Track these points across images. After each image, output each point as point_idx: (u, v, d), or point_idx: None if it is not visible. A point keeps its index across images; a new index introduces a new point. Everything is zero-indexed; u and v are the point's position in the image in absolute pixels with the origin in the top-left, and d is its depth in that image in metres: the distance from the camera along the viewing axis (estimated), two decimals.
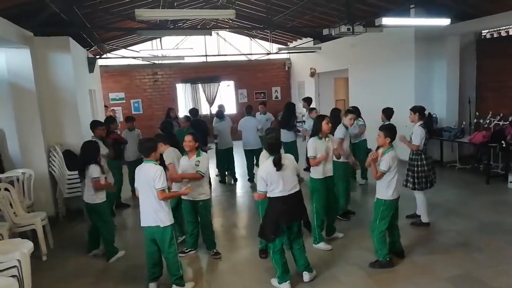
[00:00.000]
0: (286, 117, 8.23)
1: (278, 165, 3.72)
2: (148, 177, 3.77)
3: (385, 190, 4.18)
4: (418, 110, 5.45)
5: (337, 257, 4.59)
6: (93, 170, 4.59)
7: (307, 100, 8.84)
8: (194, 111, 8.59)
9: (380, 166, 4.15)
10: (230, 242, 5.33)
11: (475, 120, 8.65)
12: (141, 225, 3.97)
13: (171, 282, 4.00)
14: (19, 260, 3.35)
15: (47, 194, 6.35)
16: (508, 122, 7.69)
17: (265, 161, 3.90)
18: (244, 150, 8.21)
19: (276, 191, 3.78)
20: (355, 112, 6.21)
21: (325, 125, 4.71)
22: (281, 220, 3.82)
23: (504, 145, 7.06)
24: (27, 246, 3.67)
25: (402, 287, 3.96)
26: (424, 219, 5.36)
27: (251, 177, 8.35)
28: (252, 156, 8.06)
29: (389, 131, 4.20)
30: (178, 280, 4.00)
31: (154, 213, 3.84)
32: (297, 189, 3.90)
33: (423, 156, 5.21)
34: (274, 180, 3.75)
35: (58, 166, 6.31)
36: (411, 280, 4.05)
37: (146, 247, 4.05)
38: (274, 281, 4.04)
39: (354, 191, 7.12)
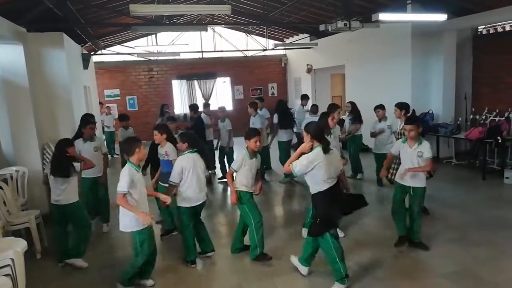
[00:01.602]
0: (280, 116, 8.09)
1: (326, 149, 3.67)
2: None
3: None
4: (405, 107, 5.62)
5: None
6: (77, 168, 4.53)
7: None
8: (194, 106, 8.64)
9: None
10: (226, 239, 5.29)
11: (471, 116, 8.66)
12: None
13: None
14: (12, 259, 3.31)
15: (41, 192, 6.25)
16: (504, 118, 7.71)
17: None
18: None
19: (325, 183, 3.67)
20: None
21: (331, 122, 4.70)
22: (333, 213, 3.77)
23: (500, 141, 7.08)
24: (21, 244, 3.61)
25: (400, 283, 3.96)
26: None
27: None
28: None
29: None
30: None
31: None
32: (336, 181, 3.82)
33: None
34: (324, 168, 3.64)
35: None
36: (408, 276, 4.05)
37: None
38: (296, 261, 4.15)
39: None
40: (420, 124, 4.53)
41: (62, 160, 4.38)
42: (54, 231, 4.74)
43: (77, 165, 4.53)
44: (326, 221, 3.75)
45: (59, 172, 4.35)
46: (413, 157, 4.37)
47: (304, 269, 4.09)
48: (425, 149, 4.35)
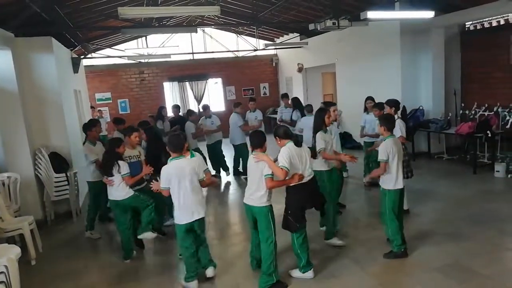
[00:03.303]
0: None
1: (297, 143, 3.91)
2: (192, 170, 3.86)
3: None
4: (394, 104, 5.62)
5: (330, 251, 4.61)
6: (123, 167, 4.62)
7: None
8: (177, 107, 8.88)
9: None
10: (222, 239, 5.31)
11: (461, 111, 8.76)
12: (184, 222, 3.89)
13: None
14: (6, 266, 3.29)
15: (34, 197, 6.23)
16: (493, 112, 7.81)
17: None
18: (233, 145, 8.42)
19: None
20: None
21: (327, 119, 4.74)
22: (306, 207, 3.89)
23: (489, 135, 7.18)
24: (14, 251, 3.61)
25: (394, 279, 4.01)
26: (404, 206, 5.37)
27: (234, 172, 8.65)
28: (235, 151, 8.38)
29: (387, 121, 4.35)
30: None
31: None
32: (312, 175, 4.02)
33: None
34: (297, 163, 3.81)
35: (44, 169, 6.20)
36: (402, 271, 4.10)
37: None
38: (296, 272, 4.04)
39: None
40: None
41: (107, 159, 4.72)
42: None
43: (122, 164, 4.64)
44: (296, 215, 3.83)
45: (103, 170, 4.76)
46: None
47: (310, 273, 4.01)
48: (380, 149, 4.26)
